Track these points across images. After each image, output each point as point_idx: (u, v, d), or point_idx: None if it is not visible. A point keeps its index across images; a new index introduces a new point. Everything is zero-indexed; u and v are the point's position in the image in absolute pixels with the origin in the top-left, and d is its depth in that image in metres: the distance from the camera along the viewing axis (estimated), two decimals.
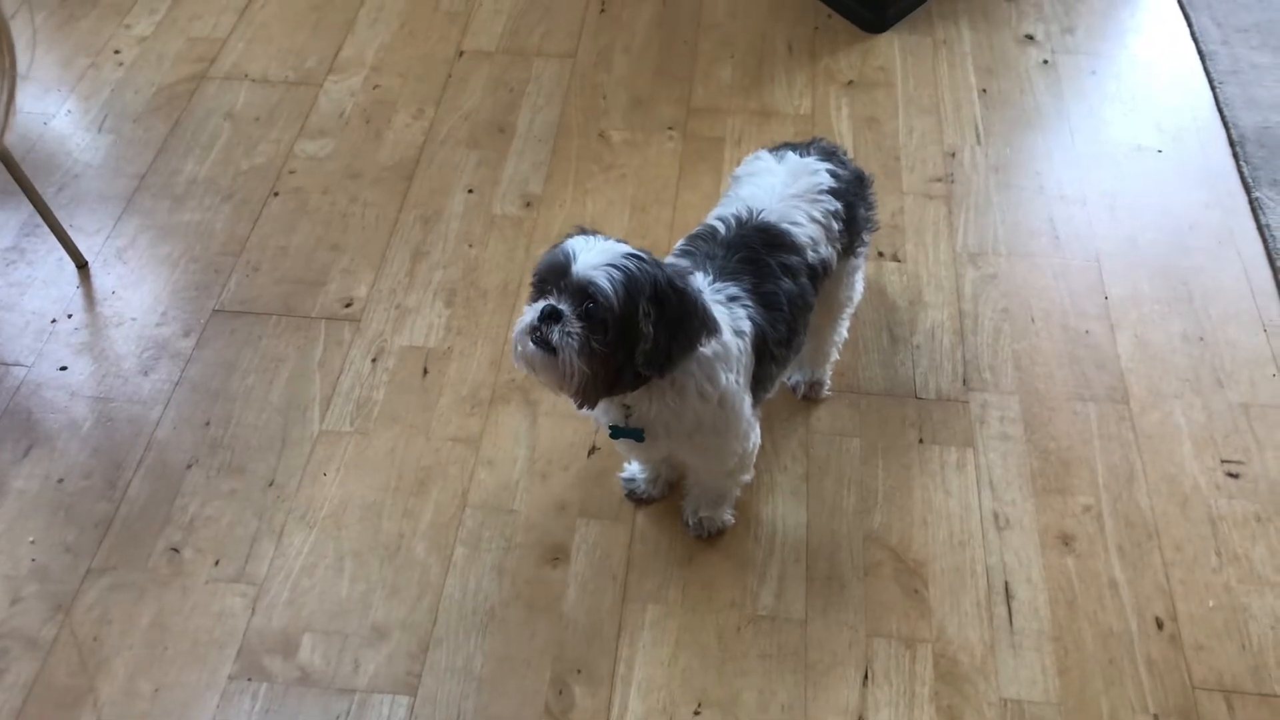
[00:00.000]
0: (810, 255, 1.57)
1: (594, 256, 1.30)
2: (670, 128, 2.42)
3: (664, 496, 1.81)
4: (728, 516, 1.75)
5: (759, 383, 1.55)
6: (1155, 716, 1.58)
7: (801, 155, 1.67)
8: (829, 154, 1.69)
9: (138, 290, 2.11)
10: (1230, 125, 2.40)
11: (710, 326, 1.38)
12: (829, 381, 1.94)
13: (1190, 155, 2.37)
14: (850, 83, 2.52)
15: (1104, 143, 2.40)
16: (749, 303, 1.50)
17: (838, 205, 1.62)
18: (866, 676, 1.61)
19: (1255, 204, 2.25)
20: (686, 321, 1.35)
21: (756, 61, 2.58)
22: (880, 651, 1.64)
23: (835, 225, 1.62)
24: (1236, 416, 1.92)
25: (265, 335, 2.04)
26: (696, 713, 1.58)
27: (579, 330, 1.29)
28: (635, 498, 1.80)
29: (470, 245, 2.19)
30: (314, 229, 2.22)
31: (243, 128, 2.42)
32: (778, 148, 1.71)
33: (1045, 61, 2.58)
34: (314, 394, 1.95)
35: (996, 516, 1.79)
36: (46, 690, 1.60)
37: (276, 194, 2.28)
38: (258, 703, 1.59)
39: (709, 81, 2.53)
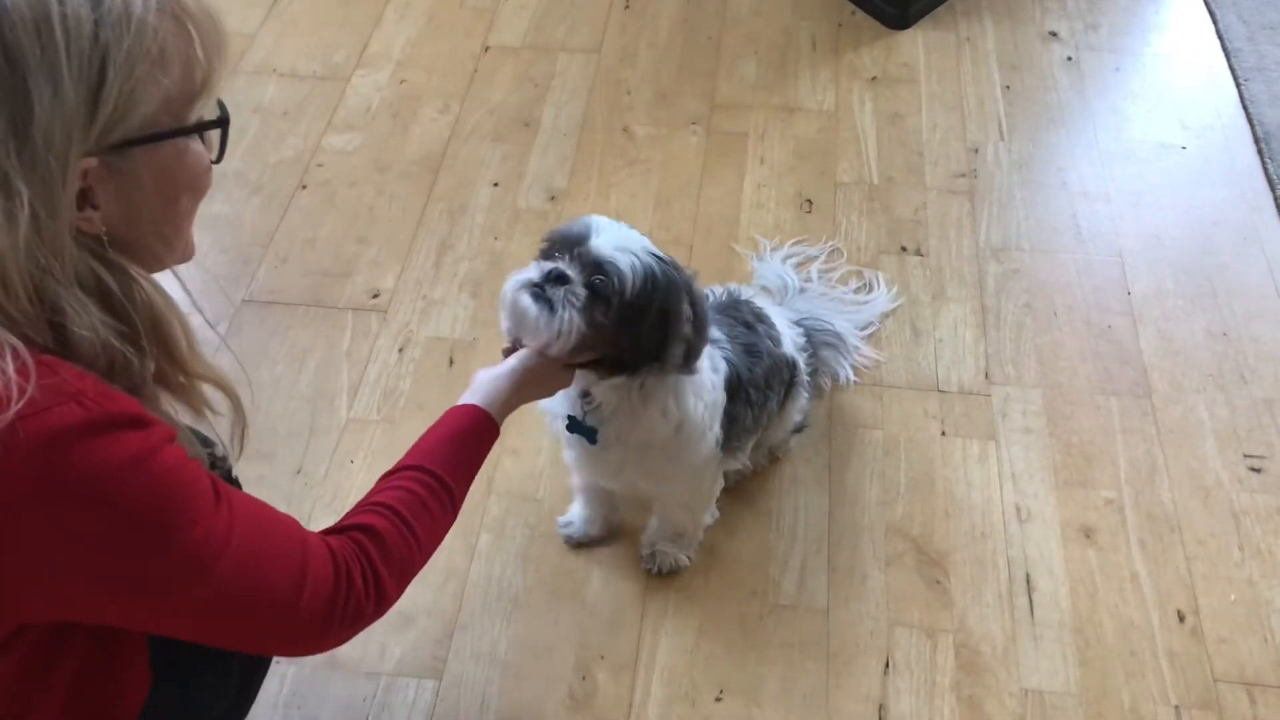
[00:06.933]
0: (789, 346, 1.66)
1: (617, 239, 1.28)
2: (694, 123, 2.43)
3: (604, 537, 1.76)
4: (684, 558, 1.70)
5: (732, 422, 1.52)
6: (1177, 708, 1.58)
7: None
8: None
9: (167, 281, 2.14)
10: (1255, 122, 2.40)
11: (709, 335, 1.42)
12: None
13: (1215, 152, 2.37)
14: (874, 79, 2.52)
15: (1128, 140, 2.40)
16: (726, 346, 1.51)
17: (805, 342, 1.77)
18: (888, 666, 1.62)
19: None
20: (706, 326, 1.37)
21: (780, 57, 2.59)
22: (901, 641, 1.65)
23: (802, 349, 1.75)
24: (1260, 412, 1.92)
25: (294, 325, 2.07)
26: (718, 699, 1.59)
27: (582, 298, 1.25)
28: (573, 542, 1.75)
29: (495, 238, 2.21)
30: (341, 221, 2.25)
31: (271, 121, 2.45)
32: None
33: (1069, 58, 2.58)
34: (341, 383, 1.98)
35: (1018, 509, 1.80)
36: None
37: (304, 186, 2.31)
38: (285, 685, 1.61)
39: (732, 77, 2.54)
